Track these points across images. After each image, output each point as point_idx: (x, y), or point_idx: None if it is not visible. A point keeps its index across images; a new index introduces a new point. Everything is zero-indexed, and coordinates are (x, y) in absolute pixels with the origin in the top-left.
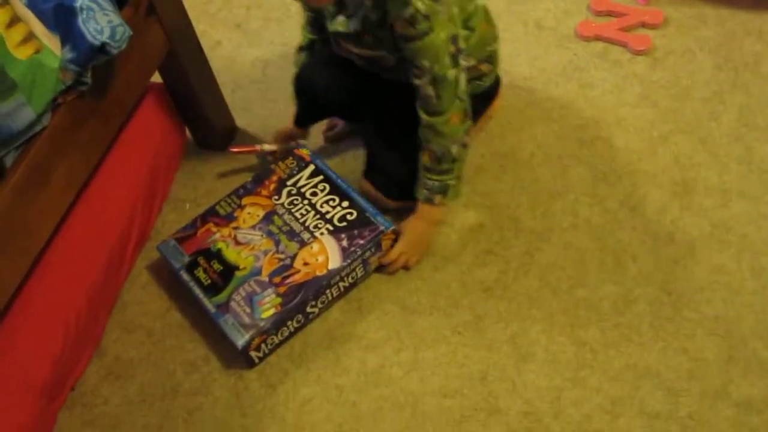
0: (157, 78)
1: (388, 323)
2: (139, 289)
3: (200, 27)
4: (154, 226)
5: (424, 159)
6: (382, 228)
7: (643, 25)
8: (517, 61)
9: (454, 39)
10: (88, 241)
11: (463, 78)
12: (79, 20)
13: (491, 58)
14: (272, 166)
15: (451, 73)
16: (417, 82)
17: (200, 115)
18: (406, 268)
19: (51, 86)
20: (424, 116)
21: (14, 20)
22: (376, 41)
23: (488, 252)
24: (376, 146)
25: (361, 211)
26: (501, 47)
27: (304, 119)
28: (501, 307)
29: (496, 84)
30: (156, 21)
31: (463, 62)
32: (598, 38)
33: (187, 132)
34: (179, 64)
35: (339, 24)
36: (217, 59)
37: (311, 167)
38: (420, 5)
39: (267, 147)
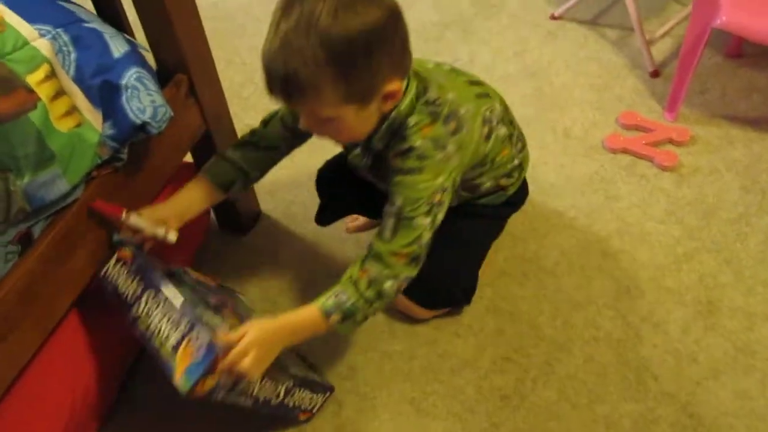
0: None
1: (403, 425)
2: (148, 368)
3: (232, 109)
4: None
5: (355, 271)
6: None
7: (671, 141)
8: (545, 168)
9: (441, 190)
10: (105, 318)
11: (430, 231)
12: (123, 98)
13: (512, 173)
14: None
15: (420, 221)
16: (385, 208)
17: (226, 200)
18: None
19: (88, 160)
20: (374, 241)
21: (59, 93)
22: (382, 172)
23: (507, 359)
24: None
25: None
26: (530, 153)
27: (326, 217)
28: (518, 418)
29: (522, 191)
30: (195, 102)
31: (439, 216)
32: (625, 151)
33: (212, 214)
34: (211, 145)
35: (354, 156)
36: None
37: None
38: (419, 143)
39: (161, 234)
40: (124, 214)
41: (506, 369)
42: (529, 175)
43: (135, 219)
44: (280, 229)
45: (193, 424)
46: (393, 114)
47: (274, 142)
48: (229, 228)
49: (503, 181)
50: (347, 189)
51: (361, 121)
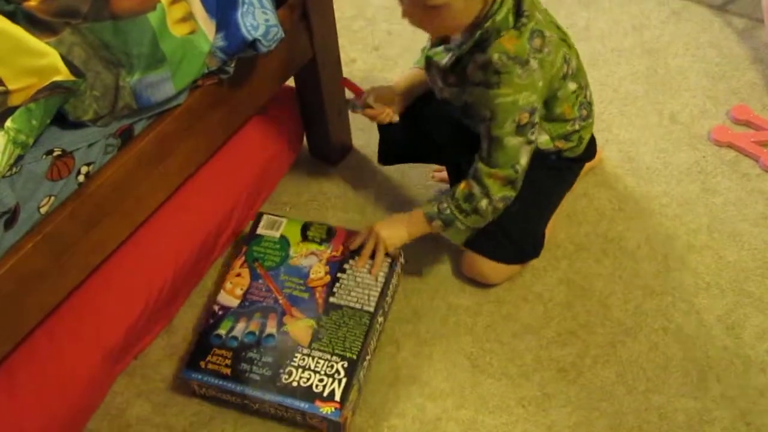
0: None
1: (456, 377)
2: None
3: (340, 41)
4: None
5: (460, 186)
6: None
7: None
8: (644, 149)
9: (528, 110)
10: (188, 222)
11: (525, 152)
12: (239, 13)
13: (571, 136)
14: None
15: (511, 141)
16: (480, 128)
17: (322, 127)
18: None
19: (196, 68)
20: (478, 156)
21: None
22: (459, 80)
23: (571, 333)
24: None
25: None
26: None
27: (387, 158)
28: (571, 392)
29: (589, 149)
30: (306, 27)
31: (532, 137)
32: (730, 146)
33: (305, 139)
34: (316, 73)
35: (434, 53)
36: (349, 76)
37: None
38: (496, 57)
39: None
40: (365, 93)
41: (569, 342)
42: (626, 154)
43: (371, 100)
44: (367, 165)
45: None
46: (488, 23)
47: None
48: (319, 156)
49: (559, 143)
50: (406, 135)
51: (467, 9)
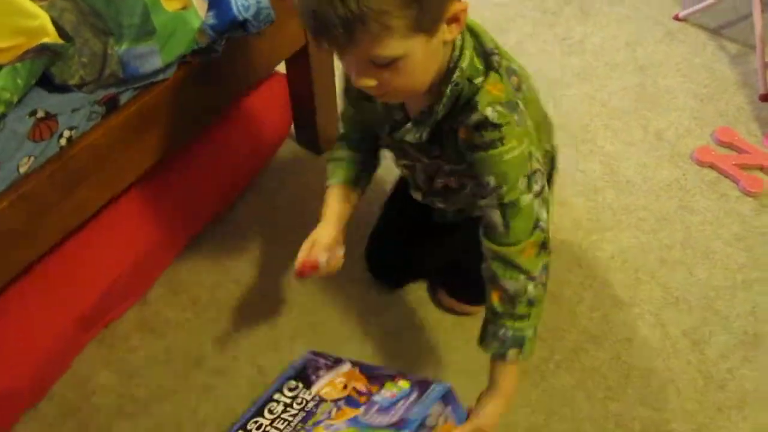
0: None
1: (419, 371)
2: (199, 257)
3: None
4: (233, 205)
5: (494, 302)
6: None
7: (761, 168)
8: (626, 163)
9: (530, 157)
10: (169, 198)
11: (542, 205)
12: None
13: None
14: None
15: (526, 199)
16: (482, 202)
17: (310, 117)
18: None
19: (185, 43)
20: (490, 245)
21: None
22: (444, 153)
23: (538, 337)
24: (457, 258)
25: None
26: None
27: (397, 281)
28: (532, 394)
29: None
30: None
31: (537, 186)
32: (712, 166)
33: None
34: (307, 62)
35: (408, 132)
36: (340, 67)
37: None
38: (490, 111)
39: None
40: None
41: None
42: (609, 167)
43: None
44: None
45: None
46: (456, 75)
47: (358, 130)
48: (305, 145)
49: None
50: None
51: (428, 58)
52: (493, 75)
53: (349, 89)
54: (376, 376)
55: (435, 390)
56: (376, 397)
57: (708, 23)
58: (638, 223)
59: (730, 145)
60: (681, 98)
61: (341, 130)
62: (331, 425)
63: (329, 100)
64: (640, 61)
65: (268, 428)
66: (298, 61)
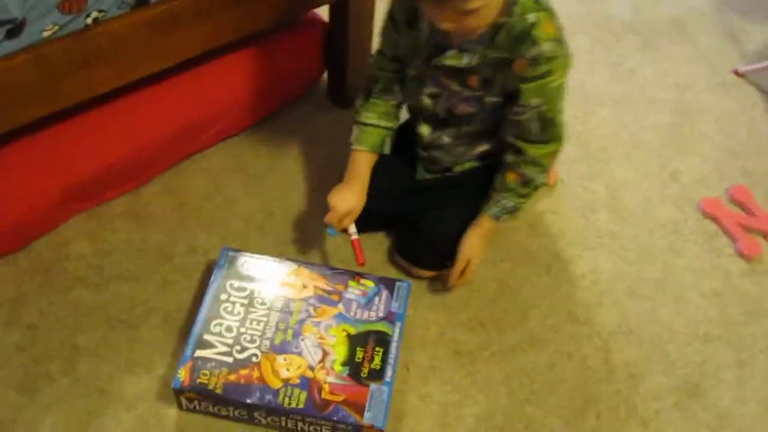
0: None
1: None
2: (198, 168)
3: None
4: (243, 130)
5: (509, 180)
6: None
7: (764, 235)
8: (631, 193)
9: (565, 85)
10: (181, 101)
11: (563, 122)
12: None
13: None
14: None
15: (560, 118)
16: (517, 118)
17: (342, 67)
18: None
19: None
20: (521, 143)
21: None
22: (482, 81)
23: (482, 324)
24: (422, 221)
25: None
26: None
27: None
28: (457, 374)
29: None
30: None
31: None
32: (715, 220)
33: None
34: (348, 12)
35: (450, 58)
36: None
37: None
38: (546, 47)
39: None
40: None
41: (476, 331)
42: (613, 191)
43: (352, 229)
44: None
45: None
46: (514, 10)
47: (386, 80)
48: (332, 97)
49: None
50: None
51: (499, 2)
52: (546, 13)
53: (395, 18)
54: (332, 276)
55: (402, 287)
56: (348, 295)
57: (766, 85)
58: (621, 251)
59: (741, 204)
60: (710, 147)
61: (375, 73)
62: (319, 322)
63: (363, 53)
64: (683, 104)
65: (241, 329)
66: (340, 9)
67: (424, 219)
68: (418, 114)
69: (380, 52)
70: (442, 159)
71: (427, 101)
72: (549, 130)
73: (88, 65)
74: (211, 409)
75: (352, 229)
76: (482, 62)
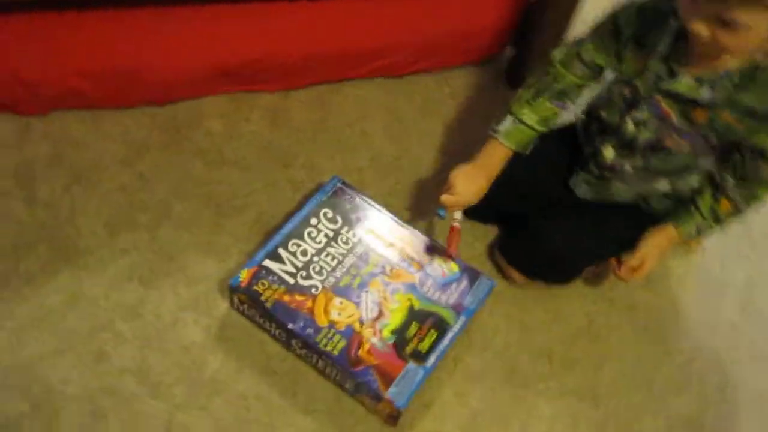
0: None
1: None
2: (352, 93)
3: None
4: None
5: (722, 208)
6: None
7: None
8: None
9: None
10: (360, 21)
11: None
12: None
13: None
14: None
15: None
16: (757, 166)
17: (529, 45)
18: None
19: None
20: (751, 184)
21: None
22: (711, 120)
23: (551, 355)
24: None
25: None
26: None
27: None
28: (502, 391)
29: None
30: None
31: None
32: None
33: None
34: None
35: (684, 85)
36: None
37: None
38: None
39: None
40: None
41: (541, 361)
42: (752, 284)
43: (458, 215)
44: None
45: None
46: None
47: (568, 85)
48: (509, 75)
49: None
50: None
51: (763, 42)
52: None
53: (621, 29)
54: (422, 245)
55: (484, 284)
56: (428, 269)
57: None
58: (731, 348)
59: None
60: None
61: (559, 71)
62: (389, 283)
63: (554, 39)
64: None
65: (315, 258)
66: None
67: (545, 226)
68: (605, 132)
69: (577, 53)
70: (613, 186)
71: (630, 126)
72: None
73: None
74: (256, 319)
75: (459, 215)
76: (725, 103)
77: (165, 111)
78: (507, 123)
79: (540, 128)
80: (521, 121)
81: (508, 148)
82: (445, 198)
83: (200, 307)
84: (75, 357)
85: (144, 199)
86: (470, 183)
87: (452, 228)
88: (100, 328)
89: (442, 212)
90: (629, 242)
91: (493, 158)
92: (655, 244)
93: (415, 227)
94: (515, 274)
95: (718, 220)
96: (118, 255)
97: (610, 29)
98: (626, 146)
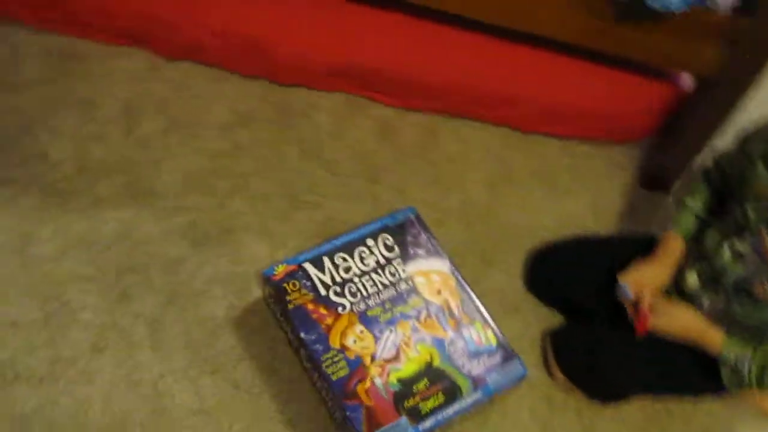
0: None
1: None
2: (478, 134)
3: None
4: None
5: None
6: None
7: None
8: None
9: None
10: (502, 65)
11: None
12: None
13: None
14: None
15: None
16: None
17: (674, 144)
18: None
19: None
20: None
21: None
22: None
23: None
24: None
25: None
26: None
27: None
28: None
29: None
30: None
31: None
32: None
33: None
34: (710, 96)
35: None
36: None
37: None
38: None
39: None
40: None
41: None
42: None
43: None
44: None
45: None
46: None
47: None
48: (644, 171)
49: None
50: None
51: None
52: None
53: (751, 156)
54: (468, 304)
55: (516, 368)
56: (464, 332)
57: None
58: None
59: None
60: None
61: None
62: (418, 330)
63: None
64: None
65: (356, 278)
66: (700, 95)
67: (608, 346)
68: (699, 254)
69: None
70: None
71: (726, 254)
72: None
73: None
74: (277, 316)
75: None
76: None
77: (282, 91)
78: (679, 212)
79: (703, 215)
80: (686, 205)
81: (677, 236)
82: (630, 278)
83: (233, 286)
84: (101, 288)
85: (228, 167)
86: (655, 271)
87: (641, 310)
88: (135, 269)
89: (627, 291)
90: (689, 387)
91: (669, 248)
92: (688, 317)
93: (471, 287)
94: (558, 373)
95: (758, 381)
96: (183, 211)
97: (744, 158)
98: (713, 279)
